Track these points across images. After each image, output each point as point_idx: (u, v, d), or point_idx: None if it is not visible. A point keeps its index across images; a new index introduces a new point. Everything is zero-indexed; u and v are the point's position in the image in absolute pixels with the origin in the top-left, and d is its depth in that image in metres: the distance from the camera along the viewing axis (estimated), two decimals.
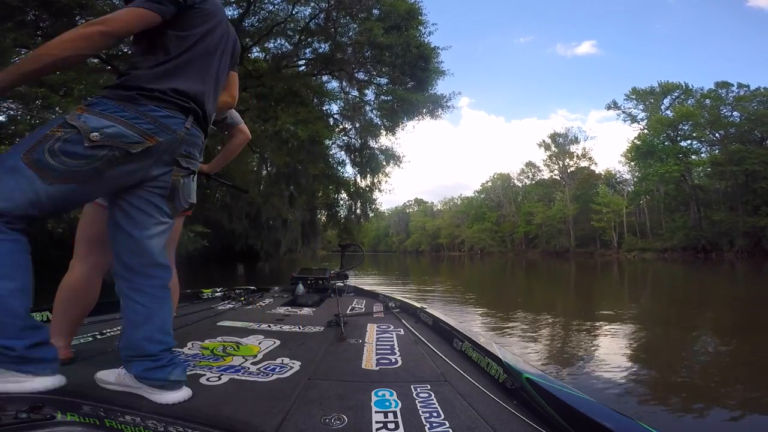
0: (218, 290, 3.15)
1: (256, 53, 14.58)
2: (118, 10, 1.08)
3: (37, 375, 0.97)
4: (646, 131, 39.83)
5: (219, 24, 1.25)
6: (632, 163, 42.10)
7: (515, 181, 63.53)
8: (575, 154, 53.14)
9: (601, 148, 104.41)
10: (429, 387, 1.23)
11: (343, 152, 16.74)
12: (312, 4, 12.73)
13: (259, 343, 1.71)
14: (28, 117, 7.74)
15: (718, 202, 35.07)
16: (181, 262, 1.66)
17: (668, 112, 39.35)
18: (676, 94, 40.36)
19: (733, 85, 35.90)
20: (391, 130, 16.00)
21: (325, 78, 15.32)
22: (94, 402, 1.00)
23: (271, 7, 12.84)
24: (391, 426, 0.97)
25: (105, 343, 1.61)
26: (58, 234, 7.80)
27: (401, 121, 15.57)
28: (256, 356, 1.52)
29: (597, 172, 52.11)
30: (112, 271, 1.17)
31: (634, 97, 42.88)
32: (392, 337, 1.90)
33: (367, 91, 15.50)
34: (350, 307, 2.78)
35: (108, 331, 1.80)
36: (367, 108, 15.82)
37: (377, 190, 17.28)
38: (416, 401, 1.12)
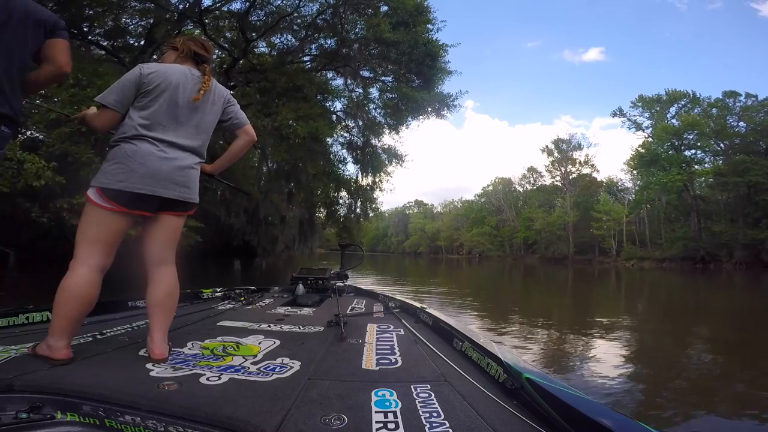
0: (218, 290, 3.15)
1: (262, 48, 14.57)
2: None
3: None
4: (650, 139, 39.83)
5: None
6: (635, 172, 42.12)
7: (516, 186, 63.52)
8: (578, 160, 53.17)
9: (603, 156, 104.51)
10: (429, 387, 1.23)
11: (344, 150, 16.69)
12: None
13: (259, 343, 1.71)
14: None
15: (718, 214, 35.01)
16: (178, 257, 1.64)
17: (674, 120, 39.29)
18: (683, 102, 40.28)
19: (741, 95, 35.88)
20: (395, 128, 15.90)
21: (329, 75, 15.28)
22: (94, 402, 0.99)
23: (279, 2, 12.79)
24: (391, 426, 0.96)
25: (105, 343, 1.60)
26: (43, 224, 7.72)
27: (405, 120, 15.46)
28: (256, 356, 1.52)
29: (599, 179, 52.25)
30: None
31: (640, 104, 42.85)
32: (392, 337, 1.90)
33: (371, 89, 15.41)
34: (350, 307, 2.78)
35: (108, 331, 1.79)
36: (371, 106, 15.75)
37: (378, 189, 17.25)
38: (416, 401, 1.12)
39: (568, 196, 50.61)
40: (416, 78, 14.04)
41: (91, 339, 1.65)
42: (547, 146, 55.40)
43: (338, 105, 16.18)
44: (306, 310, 2.65)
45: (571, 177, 52.70)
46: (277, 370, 1.35)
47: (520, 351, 4.20)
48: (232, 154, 1.78)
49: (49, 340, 1.31)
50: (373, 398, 1.12)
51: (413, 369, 1.43)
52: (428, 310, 2.26)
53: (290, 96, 12.67)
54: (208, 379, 1.22)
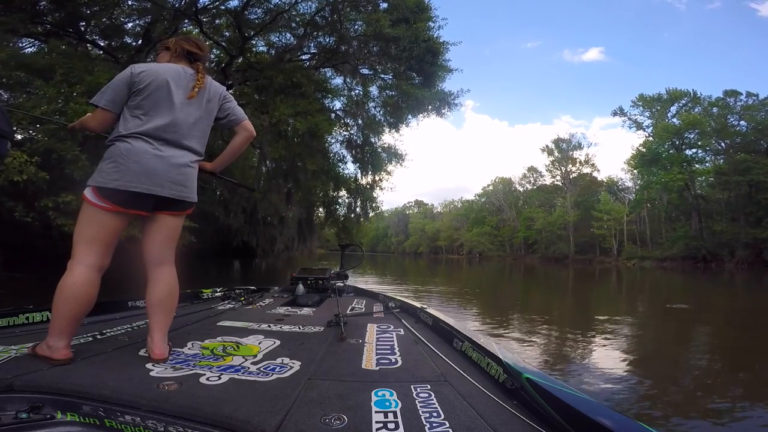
0: (218, 290, 3.15)
1: (261, 47, 14.48)
2: None
3: None
4: (651, 138, 39.77)
5: None
6: (635, 171, 42.06)
7: (517, 186, 63.45)
8: (578, 160, 53.10)
9: (603, 156, 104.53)
10: (429, 387, 1.23)
11: (344, 149, 16.56)
12: None
13: (259, 343, 1.70)
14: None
15: (720, 213, 34.95)
16: (178, 257, 1.64)
17: (675, 119, 39.19)
18: (683, 101, 40.12)
19: (741, 94, 35.79)
20: (395, 126, 15.74)
21: (329, 73, 15.15)
22: (94, 402, 0.99)
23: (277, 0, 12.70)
24: (391, 426, 0.96)
25: (105, 343, 1.60)
26: (27, 223, 7.42)
27: (405, 118, 15.30)
28: (256, 356, 1.52)
29: (599, 179, 52.20)
30: None
31: (640, 104, 42.69)
32: (392, 337, 1.89)
33: (371, 88, 15.24)
34: (350, 307, 2.78)
35: (108, 331, 1.79)
36: (371, 104, 15.58)
37: (378, 188, 17.09)
38: (416, 401, 1.11)
39: (569, 195, 50.56)
40: (417, 75, 13.89)
41: (91, 339, 1.65)
42: (547, 146, 55.39)
43: (337, 104, 16.10)
44: (306, 310, 2.65)
45: (571, 176, 52.63)
46: (277, 370, 1.35)
47: (520, 351, 4.20)
48: (232, 151, 1.77)
49: (48, 340, 1.30)
50: (373, 398, 1.12)
51: (413, 369, 1.43)
52: (428, 310, 2.25)
53: (288, 93, 12.52)
54: (208, 379, 1.22)
